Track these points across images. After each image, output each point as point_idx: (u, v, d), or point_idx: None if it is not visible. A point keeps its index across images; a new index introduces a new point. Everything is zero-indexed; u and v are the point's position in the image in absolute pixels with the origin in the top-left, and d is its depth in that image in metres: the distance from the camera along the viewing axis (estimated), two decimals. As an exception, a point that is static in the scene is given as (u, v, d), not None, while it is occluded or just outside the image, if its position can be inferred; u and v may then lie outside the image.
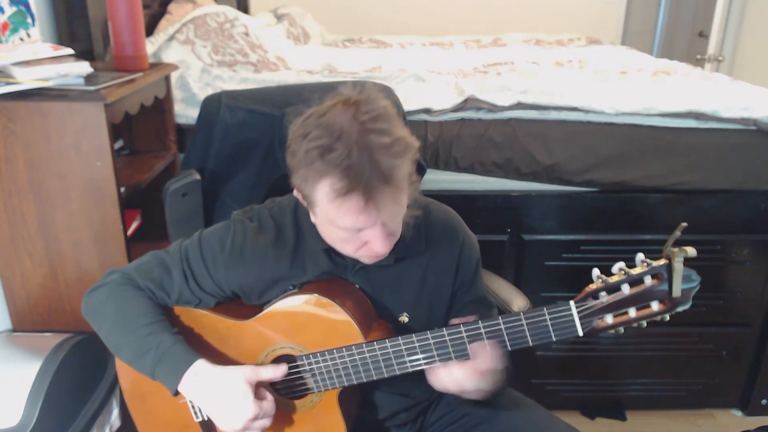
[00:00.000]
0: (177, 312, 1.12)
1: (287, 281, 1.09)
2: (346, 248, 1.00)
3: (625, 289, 0.88)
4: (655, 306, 0.88)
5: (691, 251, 0.83)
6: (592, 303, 0.89)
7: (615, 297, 0.89)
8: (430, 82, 2.20)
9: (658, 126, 1.92)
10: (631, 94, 2.04)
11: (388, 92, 1.48)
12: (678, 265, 0.84)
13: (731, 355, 2.09)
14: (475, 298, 1.16)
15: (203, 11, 2.53)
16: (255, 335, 1.08)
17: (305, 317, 1.05)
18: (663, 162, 1.90)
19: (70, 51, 1.43)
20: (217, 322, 1.10)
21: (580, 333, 0.91)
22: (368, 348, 1.01)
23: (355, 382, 1.04)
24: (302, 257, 1.09)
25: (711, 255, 1.97)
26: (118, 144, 1.83)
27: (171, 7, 2.57)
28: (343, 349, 1.02)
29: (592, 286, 0.89)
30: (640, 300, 0.88)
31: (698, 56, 3.77)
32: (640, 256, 0.88)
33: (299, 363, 1.06)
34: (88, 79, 1.41)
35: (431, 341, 0.98)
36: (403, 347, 1.00)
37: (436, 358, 0.99)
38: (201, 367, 1.00)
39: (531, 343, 0.94)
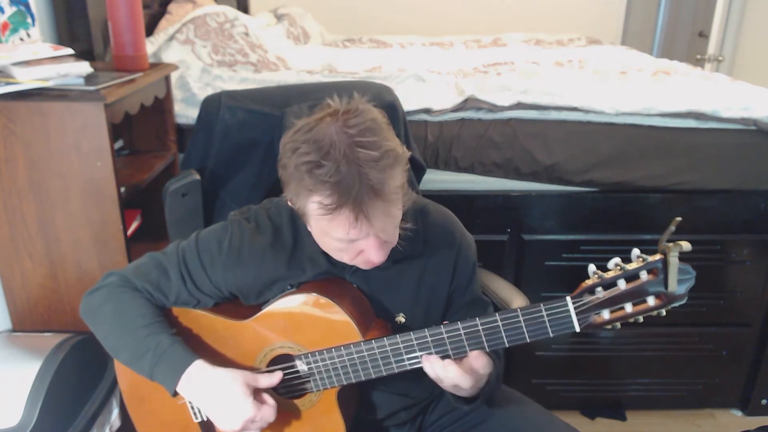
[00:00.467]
0: (175, 313, 1.12)
1: (285, 281, 1.09)
2: (343, 257, 1.01)
3: (621, 285, 0.88)
4: (651, 301, 0.88)
5: (686, 246, 0.84)
6: (588, 299, 0.90)
7: (611, 292, 0.89)
8: (430, 82, 2.20)
9: (658, 126, 1.92)
10: (631, 94, 2.04)
11: (388, 92, 1.48)
12: (673, 260, 0.84)
13: (731, 355, 2.09)
14: (470, 299, 1.16)
15: (203, 11, 2.53)
16: (253, 335, 1.08)
17: (303, 317, 1.05)
18: (663, 162, 1.90)
19: (70, 51, 1.43)
20: (216, 322, 1.10)
21: (577, 329, 0.91)
22: (367, 347, 1.01)
23: (353, 380, 1.04)
24: (300, 258, 1.09)
25: (711, 255, 1.97)
26: (118, 144, 1.83)
27: (171, 7, 2.57)
28: (342, 348, 1.02)
29: (589, 282, 0.90)
30: (636, 295, 0.88)
31: (698, 56, 3.77)
32: (636, 251, 0.88)
33: (297, 362, 1.06)
34: (88, 79, 1.41)
35: (429, 339, 0.98)
36: (401, 345, 1.00)
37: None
38: (199, 367, 1.01)
39: (528, 340, 0.94)
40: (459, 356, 0.98)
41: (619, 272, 0.88)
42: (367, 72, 2.45)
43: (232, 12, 2.71)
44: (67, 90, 1.35)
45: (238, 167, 1.46)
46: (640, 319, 0.90)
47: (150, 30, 2.34)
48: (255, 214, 1.12)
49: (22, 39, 1.58)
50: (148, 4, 2.47)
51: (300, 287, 1.08)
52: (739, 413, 2.20)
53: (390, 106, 1.41)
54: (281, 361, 1.07)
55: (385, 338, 1.00)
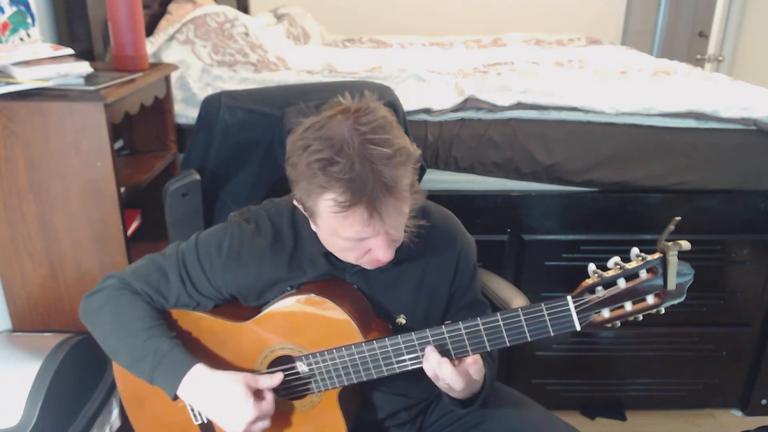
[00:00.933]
0: (175, 315, 1.11)
1: (285, 283, 1.09)
2: (349, 256, 1.00)
3: (621, 283, 0.89)
4: (650, 299, 0.89)
5: (685, 245, 0.84)
6: (588, 297, 0.90)
7: (611, 291, 0.89)
8: (430, 82, 2.20)
9: (658, 126, 1.92)
10: (631, 94, 2.04)
11: (388, 92, 1.47)
12: (672, 259, 0.85)
13: (731, 355, 2.09)
14: (470, 301, 1.16)
15: (203, 11, 2.53)
16: (253, 337, 1.08)
17: (303, 318, 1.05)
18: (663, 162, 1.90)
19: (70, 51, 1.43)
20: (216, 324, 1.10)
21: (578, 327, 0.92)
22: (367, 347, 1.01)
23: (354, 381, 1.04)
24: (300, 259, 1.08)
25: (711, 255, 1.97)
26: (118, 144, 1.83)
27: (171, 7, 2.57)
28: (343, 348, 1.02)
29: (589, 281, 0.90)
30: (635, 294, 0.89)
31: (698, 56, 3.77)
32: (635, 250, 0.89)
33: (298, 364, 1.06)
34: (88, 79, 1.41)
35: (430, 339, 0.98)
36: (402, 345, 1.00)
37: None
38: (199, 371, 1.01)
39: (530, 339, 0.95)
40: (460, 356, 0.98)
41: (618, 271, 0.88)
42: (367, 72, 2.45)
43: (232, 12, 2.71)
44: (67, 90, 1.35)
45: (238, 167, 1.46)
46: (640, 317, 0.91)
47: (150, 30, 2.34)
48: (255, 215, 1.12)
49: (22, 39, 1.58)
50: (148, 4, 2.47)
51: (300, 288, 1.08)
52: (739, 413, 2.20)
53: (390, 106, 1.40)
54: (282, 362, 1.07)
55: (386, 338, 1.00)
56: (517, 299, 1.39)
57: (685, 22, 4.29)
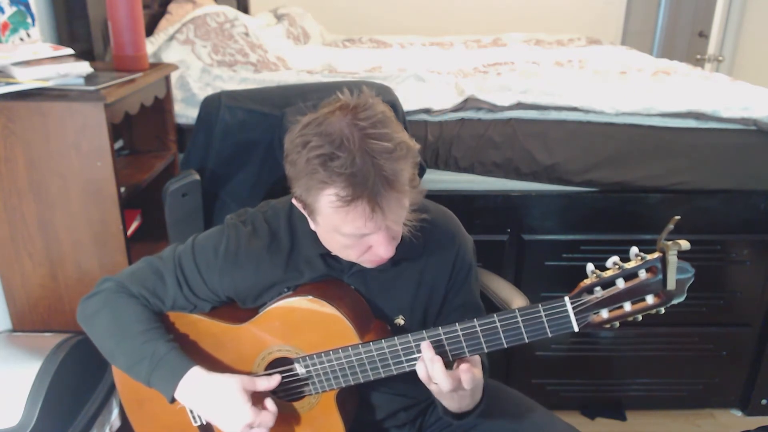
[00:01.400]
0: (172, 318, 1.11)
1: (282, 285, 1.09)
2: (350, 254, 0.99)
3: (620, 284, 0.88)
4: (650, 299, 0.87)
5: (685, 244, 0.83)
6: (587, 298, 0.89)
7: (610, 291, 0.88)
8: (430, 82, 2.20)
9: (658, 126, 1.92)
10: (631, 94, 2.04)
11: (387, 92, 1.47)
12: (672, 258, 0.84)
13: (731, 355, 2.09)
14: (465, 302, 1.14)
15: (203, 11, 2.53)
16: (251, 339, 1.08)
17: (300, 319, 1.05)
18: (663, 162, 1.90)
19: (70, 51, 1.43)
20: (213, 326, 1.10)
21: (576, 328, 0.91)
22: (364, 349, 1.01)
23: (352, 383, 1.04)
24: (297, 261, 1.08)
25: (711, 255, 1.97)
26: (118, 144, 1.83)
27: (171, 7, 2.57)
28: (340, 350, 1.02)
29: (587, 281, 0.89)
30: (634, 294, 0.87)
31: (698, 56, 3.77)
32: (634, 249, 0.87)
33: (296, 365, 1.06)
34: (88, 79, 1.41)
35: (427, 340, 0.98)
36: (399, 347, 0.99)
37: None
38: (196, 374, 1.01)
39: (527, 340, 0.94)
40: (457, 357, 0.98)
41: (617, 271, 0.87)
42: (367, 72, 2.45)
43: (232, 12, 2.71)
44: (67, 90, 1.35)
45: (238, 167, 1.46)
46: (639, 317, 0.90)
47: (150, 30, 2.34)
48: (252, 217, 1.11)
49: (22, 39, 1.58)
50: (148, 4, 2.47)
51: (297, 290, 1.08)
52: (739, 413, 2.20)
53: (390, 106, 1.40)
54: (279, 364, 1.07)
55: (382, 340, 1.00)
56: (517, 299, 1.39)
57: (685, 22, 4.29)
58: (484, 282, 1.46)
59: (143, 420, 1.17)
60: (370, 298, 1.10)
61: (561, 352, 2.09)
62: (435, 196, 1.20)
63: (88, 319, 1.09)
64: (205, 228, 1.42)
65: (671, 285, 0.85)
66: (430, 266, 1.11)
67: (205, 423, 1.11)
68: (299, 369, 1.05)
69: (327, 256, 1.07)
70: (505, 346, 0.96)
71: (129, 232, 1.57)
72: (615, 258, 0.88)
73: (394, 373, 1.01)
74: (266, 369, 1.08)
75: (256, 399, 1.02)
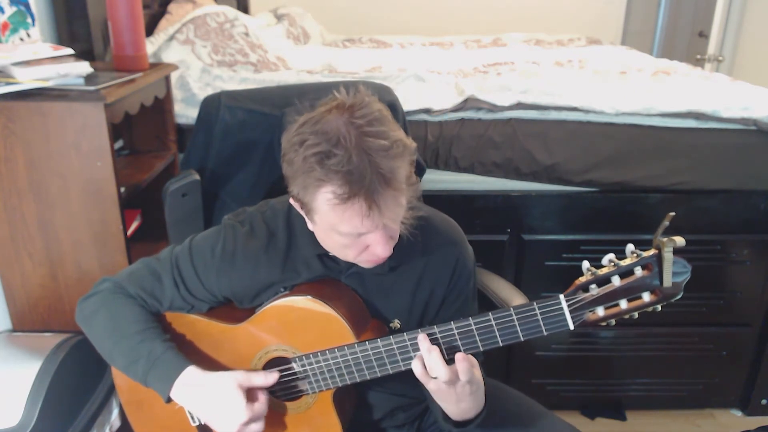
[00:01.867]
0: (169, 318, 1.11)
1: (279, 285, 1.09)
2: (347, 254, 0.99)
3: (616, 281, 0.87)
4: (646, 297, 0.87)
5: (680, 241, 0.83)
6: (582, 296, 0.89)
7: (605, 289, 0.88)
8: (430, 82, 2.20)
9: (658, 126, 1.92)
10: (631, 94, 2.04)
11: (387, 92, 1.47)
12: (668, 255, 0.83)
13: (731, 355, 2.09)
14: (462, 310, 1.12)
15: (203, 11, 2.53)
16: (247, 339, 1.07)
17: (297, 319, 1.04)
18: (663, 162, 1.90)
19: (70, 51, 1.43)
20: (210, 326, 1.10)
21: (571, 326, 0.90)
22: (360, 348, 1.01)
23: (348, 382, 1.03)
24: (294, 262, 1.08)
25: (711, 255, 1.97)
26: (118, 144, 1.83)
27: (171, 7, 2.57)
28: (336, 349, 1.02)
29: (582, 279, 0.89)
30: (630, 291, 0.87)
31: (698, 56, 3.77)
32: (630, 247, 0.87)
33: (293, 365, 1.06)
34: (88, 79, 1.41)
35: (423, 333, 0.98)
36: (395, 346, 0.99)
37: None
38: (192, 373, 1.01)
39: (522, 338, 0.93)
40: (452, 356, 0.97)
41: (613, 268, 0.87)
42: (367, 72, 2.45)
43: (232, 12, 2.71)
44: (67, 90, 1.35)
45: (238, 167, 1.46)
46: (636, 315, 0.90)
47: (150, 30, 2.34)
48: (250, 217, 1.11)
49: (22, 39, 1.58)
50: (148, 4, 2.47)
51: (294, 289, 1.08)
52: (739, 413, 2.20)
53: (390, 106, 1.39)
54: (277, 364, 1.07)
55: (378, 339, 1.00)
56: (516, 299, 1.39)
57: (685, 22, 4.29)
58: (484, 282, 1.46)
59: (142, 420, 1.17)
60: (367, 300, 1.09)
61: (561, 352, 2.09)
62: (435, 196, 1.20)
63: (86, 319, 1.09)
64: (205, 228, 1.42)
65: (667, 282, 0.85)
66: (429, 271, 1.10)
67: (203, 424, 1.11)
68: (296, 368, 1.05)
69: (324, 256, 1.06)
70: (501, 344, 0.95)
71: (129, 232, 1.57)
72: (611, 255, 0.88)
73: (391, 372, 1.01)
74: (263, 369, 1.08)
75: (252, 397, 1.02)
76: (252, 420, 0.99)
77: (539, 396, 1.24)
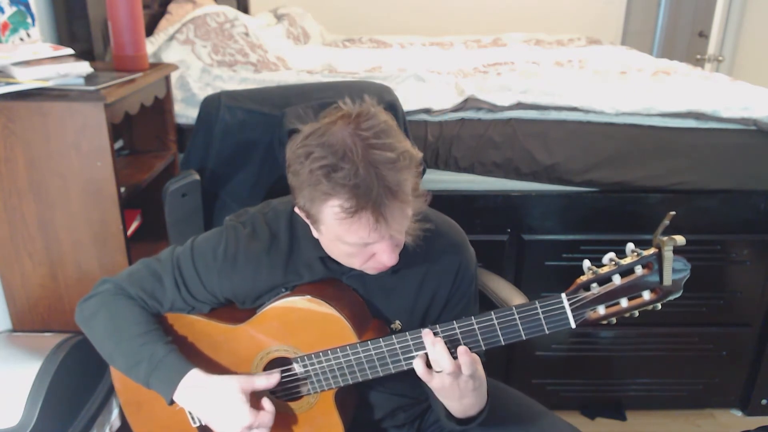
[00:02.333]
0: (170, 319, 1.11)
1: (281, 287, 1.09)
2: (353, 262, 0.99)
3: (616, 280, 0.88)
4: (646, 295, 0.88)
5: (680, 240, 0.83)
6: (583, 295, 0.90)
7: (606, 288, 0.89)
8: (430, 82, 2.20)
9: (658, 126, 1.92)
10: (631, 94, 2.04)
11: (387, 92, 1.47)
12: (668, 254, 0.84)
13: (731, 355, 2.09)
14: (464, 313, 1.11)
15: (203, 11, 2.53)
16: (249, 339, 1.07)
17: (299, 319, 1.04)
18: (663, 162, 1.90)
19: (70, 51, 1.43)
20: (211, 327, 1.10)
21: (573, 325, 0.91)
22: (362, 348, 1.01)
23: (350, 382, 1.04)
24: (296, 264, 1.08)
25: (711, 255, 1.97)
26: (118, 144, 1.83)
27: (171, 7, 2.57)
28: (338, 349, 1.02)
29: (583, 278, 0.89)
30: (631, 290, 0.88)
31: (698, 56, 3.77)
32: (630, 246, 0.88)
33: (294, 365, 1.06)
34: (88, 79, 1.41)
35: (426, 328, 0.98)
36: (397, 346, 0.99)
37: None
38: (195, 376, 1.01)
39: (524, 337, 0.94)
40: (455, 356, 0.97)
41: (613, 267, 0.88)
42: (367, 72, 2.45)
43: (232, 12, 2.71)
44: (67, 90, 1.35)
45: (238, 167, 1.46)
46: (636, 313, 0.90)
47: (150, 30, 2.34)
48: (251, 219, 1.11)
49: (22, 39, 1.58)
50: (148, 4, 2.47)
51: (295, 289, 1.08)
52: (739, 413, 2.20)
53: (390, 106, 1.41)
54: (278, 364, 1.07)
55: (380, 339, 1.00)
56: (516, 299, 1.39)
57: (685, 22, 4.29)
58: (484, 282, 1.46)
59: (142, 421, 1.17)
60: (368, 300, 1.09)
61: (561, 352, 2.09)
62: (435, 196, 1.19)
63: (87, 320, 1.09)
64: (205, 228, 1.42)
65: (667, 281, 0.86)
66: (432, 273, 1.10)
67: (204, 424, 1.11)
68: (298, 369, 1.05)
69: (327, 259, 1.06)
70: (503, 343, 0.96)
71: (129, 232, 1.57)
72: (611, 254, 0.89)
73: (392, 372, 1.01)
74: (265, 369, 1.08)
75: (255, 400, 1.02)
76: (254, 425, 0.99)
77: (539, 396, 1.25)
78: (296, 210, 0.99)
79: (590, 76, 2.40)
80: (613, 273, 0.88)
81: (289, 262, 1.08)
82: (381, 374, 1.02)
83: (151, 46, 2.24)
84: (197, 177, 1.41)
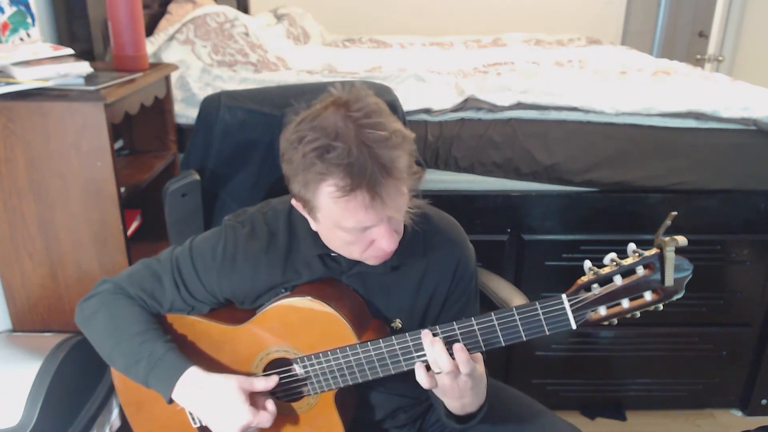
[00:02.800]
0: (170, 319, 1.11)
1: (281, 286, 1.09)
2: (353, 251, 0.98)
3: (618, 280, 0.88)
4: (648, 296, 0.87)
5: (682, 240, 0.83)
6: (584, 295, 0.89)
7: (607, 288, 0.88)
8: (430, 82, 2.20)
9: (658, 126, 1.92)
10: (631, 94, 2.04)
11: (387, 92, 1.47)
12: (670, 254, 0.84)
13: (731, 355, 2.09)
14: (463, 310, 1.13)
15: (203, 11, 2.53)
16: (249, 340, 1.07)
17: (298, 319, 1.04)
18: (663, 162, 1.90)
19: (70, 51, 1.43)
20: (211, 328, 1.10)
21: (574, 326, 0.90)
22: (362, 348, 1.01)
23: (350, 382, 1.03)
24: (295, 263, 1.08)
25: (711, 255, 1.97)
26: (118, 144, 1.83)
27: (171, 7, 2.57)
28: (338, 350, 1.02)
29: (584, 279, 0.89)
30: (632, 290, 0.88)
31: (698, 56, 3.77)
32: (632, 246, 0.87)
33: (294, 366, 1.06)
34: (88, 79, 1.41)
35: (426, 329, 0.98)
36: (396, 347, 0.99)
37: None
38: (193, 374, 1.01)
39: (525, 338, 0.94)
40: (454, 357, 0.97)
41: (615, 268, 0.87)
42: (367, 72, 2.45)
43: (232, 12, 2.71)
44: (67, 90, 1.35)
45: (238, 167, 1.46)
46: (637, 314, 0.90)
47: (150, 30, 2.34)
48: (251, 218, 1.11)
49: (22, 39, 1.58)
50: (148, 4, 2.47)
51: (294, 290, 1.08)
52: (739, 413, 2.20)
53: (390, 106, 1.39)
54: (278, 364, 1.07)
55: (380, 340, 1.00)
56: (516, 299, 1.39)
57: (685, 22, 4.29)
58: (484, 282, 1.46)
59: (142, 421, 1.17)
60: (368, 300, 1.09)
61: (561, 352, 2.09)
62: (435, 196, 1.19)
63: (86, 320, 1.09)
64: (205, 228, 1.42)
65: (669, 281, 0.85)
66: (431, 271, 1.10)
67: (204, 425, 1.11)
68: (298, 369, 1.05)
69: (326, 257, 1.06)
70: (503, 344, 0.95)
71: (129, 232, 1.57)
72: (612, 255, 0.88)
73: (393, 372, 1.01)
74: (265, 370, 1.08)
75: (255, 400, 1.02)
76: (254, 424, 0.99)
77: (539, 396, 1.24)
78: (293, 202, 0.99)
79: (590, 76, 2.40)
80: (614, 273, 0.87)
81: (287, 260, 1.08)
82: (381, 375, 1.02)
83: (151, 46, 2.24)
84: (197, 177, 1.41)
